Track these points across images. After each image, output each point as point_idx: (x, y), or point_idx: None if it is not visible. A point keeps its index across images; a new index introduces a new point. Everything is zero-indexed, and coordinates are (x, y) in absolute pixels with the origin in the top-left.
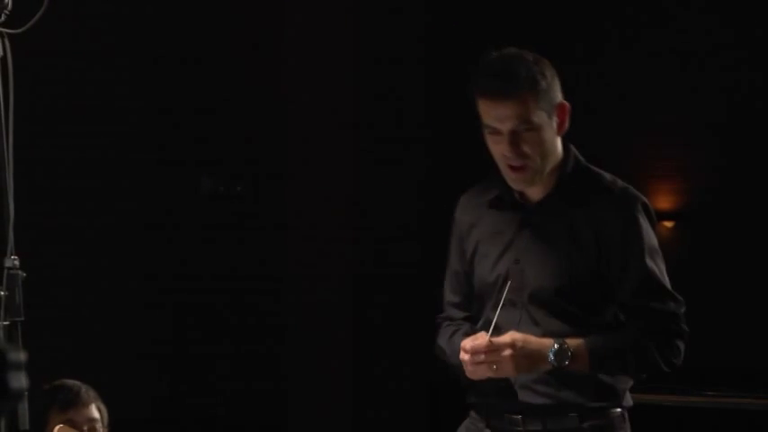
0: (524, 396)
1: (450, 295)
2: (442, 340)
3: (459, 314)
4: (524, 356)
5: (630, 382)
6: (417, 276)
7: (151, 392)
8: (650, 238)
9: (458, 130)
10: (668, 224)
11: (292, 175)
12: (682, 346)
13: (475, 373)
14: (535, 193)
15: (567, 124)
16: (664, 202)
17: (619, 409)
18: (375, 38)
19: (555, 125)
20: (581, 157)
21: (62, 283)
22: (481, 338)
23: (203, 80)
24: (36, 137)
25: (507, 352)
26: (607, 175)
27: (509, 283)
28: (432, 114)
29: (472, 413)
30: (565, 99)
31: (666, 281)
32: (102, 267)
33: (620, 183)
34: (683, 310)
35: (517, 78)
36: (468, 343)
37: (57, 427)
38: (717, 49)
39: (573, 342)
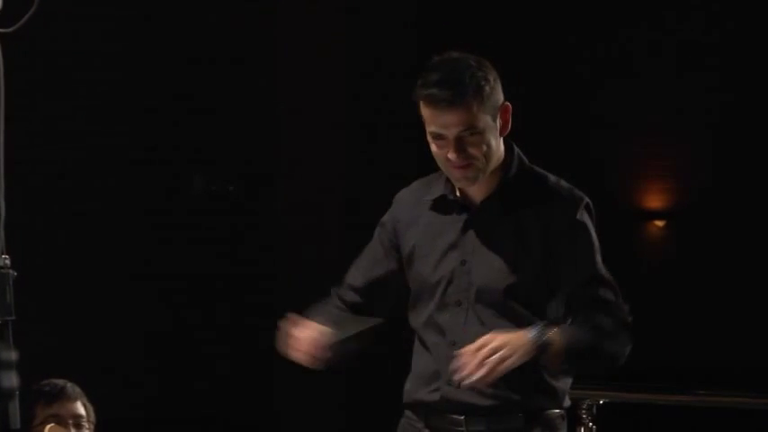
0: (469, 397)
1: (354, 278)
2: (319, 307)
3: (353, 298)
4: (505, 339)
5: (569, 383)
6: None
7: (143, 393)
8: (594, 236)
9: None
10: (659, 223)
11: (284, 175)
12: (629, 337)
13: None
14: (478, 194)
15: (509, 125)
16: (655, 201)
17: (558, 410)
18: (367, 39)
19: (498, 127)
20: (525, 159)
21: (53, 283)
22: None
23: (196, 80)
24: (26, 136)
25: (485, 350)
26: (551, 176)
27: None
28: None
29: (408, 413)
30: (555, 97)
31: (613, 282)
32: (94, 267)
33: (564, 183)
34: (626, 304)
35: (461, 86)
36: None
37: (48, 427)
38: (709, 49)
39: (549, 330)
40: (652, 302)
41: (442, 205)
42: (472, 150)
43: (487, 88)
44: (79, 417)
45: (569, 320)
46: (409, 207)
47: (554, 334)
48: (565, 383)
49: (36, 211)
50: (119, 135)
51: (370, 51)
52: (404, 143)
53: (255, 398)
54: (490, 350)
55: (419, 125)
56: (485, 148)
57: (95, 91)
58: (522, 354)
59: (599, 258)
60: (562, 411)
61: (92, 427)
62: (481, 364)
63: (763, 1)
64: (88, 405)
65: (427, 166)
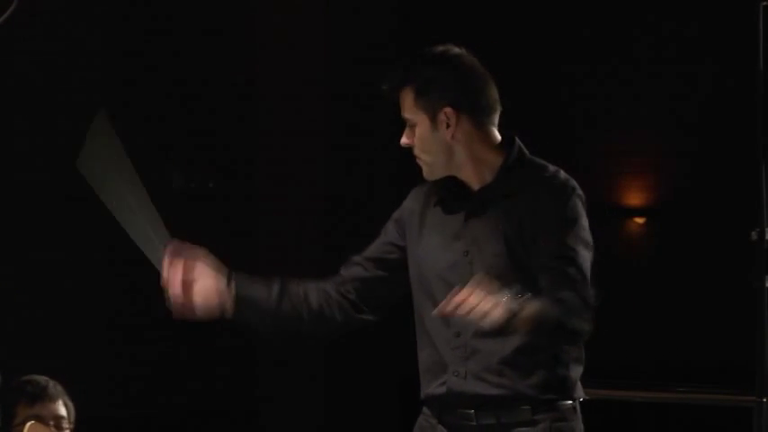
0: (477, 387)
1: (359, 256)
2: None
3: (356, 272)
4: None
5: (581, 370)
6: None
7: (127, 391)
8: (582, 224)
9: None
10: (639, 220)
11: (264, 173)
12: (591, 318)
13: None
14: (478, 185)
15: (452, 131)
16: (635, 198)
17: (570, 402)
18: (347, 36)
19: (439, 129)
20: (525, 150)
21: (36, 282)
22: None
23: (176, 78)
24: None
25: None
26: (551, 167)
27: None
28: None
29: (424, 409)
30: (535, 95)
31: (587, 267)
32: (77, 262)
33: (562, 174)
34: (592, 289)
35: (397, 74)
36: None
37: (27, 425)
38: (689, 47)
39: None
40: (632, 300)
41: (447, 198)
42: (407, 142)
43: (417, 84)
44: (60, 418)
45: (534, 292)
46: (419, 201)
47: (524, 302)
48: (575, 372)
49: (13, 202)
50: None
51: (349, 49)
52: (384, 141)
53: (236, 394)
54: (476, 300)
55: (399, 122)
56: (419, 143)
57: (73, 87)
58: (496, 315)
59: (579, 246)
60: (574, 403)
61: (71, 427)
62: (461, 308)
63: (737, 3)
64: (69, 404)
65: (408, 163)
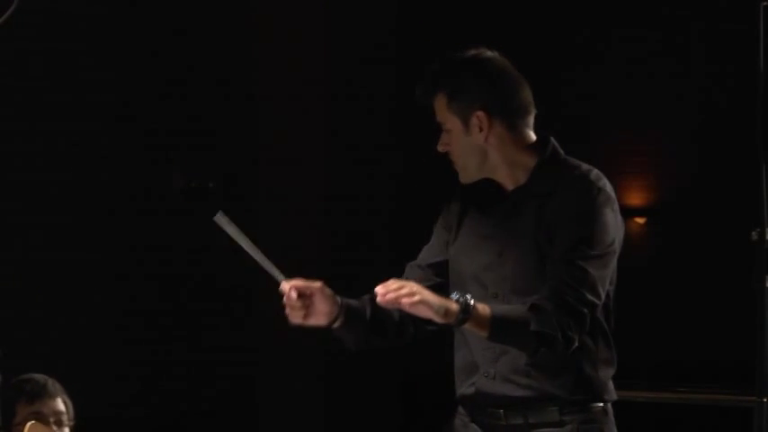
0: (504, 389)
1: (421, 258)
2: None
3: (419, 275)
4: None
5: (612, 372)
6: (388, 275)
7: (127, 391)
8: (601, 224)
9: (431, 131)
10: (640, 220)
11: (264, 174)
12: (578, 324)
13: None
14: (512, 185)
15: (486, 134)
16: (635, 198)
17: (600, 404)
18: (347, 36)
19: (472, 132)
20: (560, 150)
21: (35, 281)
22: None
23: (176, 78)
24: (8, 133)
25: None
26: (584, 166)
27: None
28: (404, 115)
29: (459, 408)
30: (535, 95)
31: (594, 269)
32: (76, 267)
33: (593, 174)
34: (589, 296)
35: (428, 80)
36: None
37: (28, 425)
38: (689, 47)
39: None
40: (632, 300)
41: (483, 199)
42: (444, 147)
43: (449, 90)
44: (60, 413)
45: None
46: (457, 201)
47: (478, 303)
48: (605, 374)
49: (14, 205)
50: (97, 133)
51: (349, 51)
52: (385, 144)
53: (235, 393)
54: (408, 289)
55: (400, 125)
56: (454, 148)
57: (73, 86)
58: (426, 297)
59: (590, 248)
60: (605, 405)
61: (71, 424)
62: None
63: (737, 3)
64: (68, 401)
65: (409, 166)
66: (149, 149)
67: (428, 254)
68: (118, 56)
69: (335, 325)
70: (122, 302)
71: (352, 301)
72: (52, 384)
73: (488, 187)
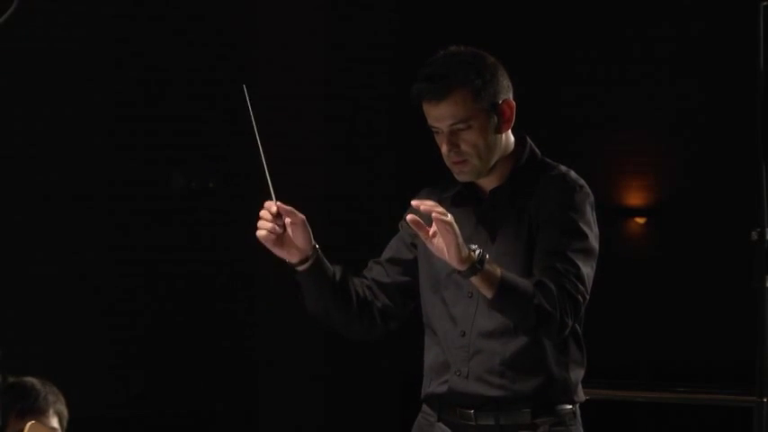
0: (478, 388)
1: (379, 258)
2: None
3: (377, 274)
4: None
5: (582, 374)
6: None
7: (127, 391)
8: (584, 221)
9: (426, 129)
10: (640, 220)
11: (264, 173)
12: (570, 309)
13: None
14: (489, 186)
15: (512, 122)
16: (635, 198)
17: (569, 406)
18: (347, 36)
19: (497, 123)
20: (537, 150)
21: (34, 281)
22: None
23: (176, 78)
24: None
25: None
26: (562, 167)
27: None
28: (400, 114)
29: (425, 407)
30: (535, 96)
31: (582, 263)
32: (76, 262)
33: (572, 174)
34: (583, 288)
35: (447, 79)
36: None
37: (28, 425)
38: (689, 47)
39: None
40: (632, 300)
41: (459, 199)
42: (465, 146)
43: (478, 82)
44: (52, 429)
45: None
46: (436, 200)
47: (495, 264)
48: (576, 375)
49: (14, 204)
50: (97, 133)
51: (348, 50)
52: (382, 142)
53: (236, 391)
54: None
55: (396, 123)
56: (479, 143)
57: (72, 86)
58: (456, 228)
59: (574, 242)
60: (574, 407)
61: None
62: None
63: (737, 3)
64: (62, 410)
65: (405, 164)
66: (149, 149)
67: (392, 251)
68: (118, 56)
69: (303, 266)
70: (122, 302)
71: (326, 260)
72: (43, 398)
73: (462, 187)
